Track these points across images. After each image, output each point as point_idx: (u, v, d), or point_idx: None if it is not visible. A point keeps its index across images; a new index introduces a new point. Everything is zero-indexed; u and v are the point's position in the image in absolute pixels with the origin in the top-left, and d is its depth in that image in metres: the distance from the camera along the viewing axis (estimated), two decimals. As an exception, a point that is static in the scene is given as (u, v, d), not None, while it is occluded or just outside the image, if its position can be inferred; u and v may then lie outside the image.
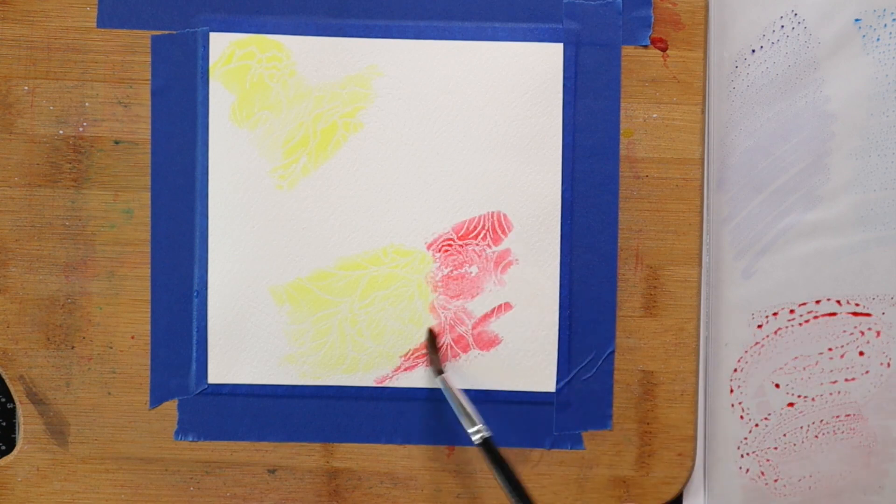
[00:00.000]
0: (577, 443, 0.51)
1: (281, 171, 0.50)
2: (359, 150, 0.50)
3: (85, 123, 0.50)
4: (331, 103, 0.50)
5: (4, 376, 0.51)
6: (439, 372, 0.48)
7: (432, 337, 0.50)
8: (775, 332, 0.52)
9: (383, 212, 0.51)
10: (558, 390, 0.51)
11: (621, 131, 0.51)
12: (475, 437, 0.46)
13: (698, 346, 0.51)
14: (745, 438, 0.52)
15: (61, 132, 0.50)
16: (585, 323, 0.51)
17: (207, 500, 0.51)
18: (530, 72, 0.50)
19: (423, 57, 0.50)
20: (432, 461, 0.51)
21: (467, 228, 0.51)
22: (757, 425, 0.52)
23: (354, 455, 0.51)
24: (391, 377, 0.51)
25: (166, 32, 0.50)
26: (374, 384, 0.51)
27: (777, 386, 0.52)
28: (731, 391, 0.52)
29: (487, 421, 0.51)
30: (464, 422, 0.46)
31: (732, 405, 0.52)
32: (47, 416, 0.51)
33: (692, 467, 0.52)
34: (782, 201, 0.52)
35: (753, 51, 0.51)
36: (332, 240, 0.51)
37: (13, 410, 0.52)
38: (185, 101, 0.50)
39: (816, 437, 0.52)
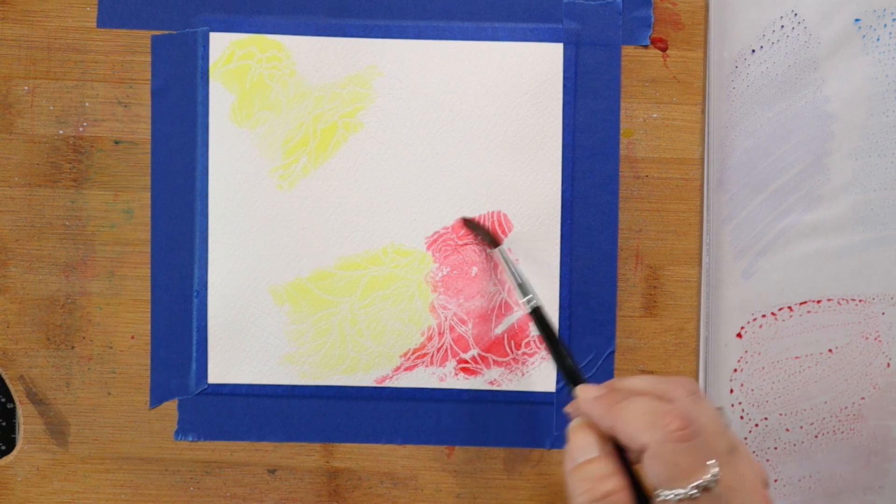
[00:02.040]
0: (577, 443, 0.51)
1: (281, 171, 0.50)
2: (359, 150, 0.50)
3: (85, 123, 0.50)
4: (331, 103, 0.50)
5: (4, 376, 0.51)
6: (496, 245, 0.49)
7: (471, 221, 0.50)
8: (776, 332, 0.52)
9: (383, 212, 0.51)
10: (558, 390, 0.51)
11: (621, 131, 0.51)
12: (527, 306, 0.46)
13: (698, 346, 0.51)
14: (745, 438, 0.52)
15: (61, 132, 0.50)
16: (585, 323, 0.51)
17: (207, 500, 0.51)
18: (530, 72, 0.50)
19: (423, 57, 0.50)
20: (432, 461, 0.51)
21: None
22: (757, 425, 0.52)
23: (354, 455, 0.51)
24: (391, 377, 0.51)
25: (166, 32, 0.50)
26: (374, 384, 0.51)
27: (776, 386, 0.52)
28: (731, 391, 0.52)
29: (488, 421, 0.51)
30: (517, 291, 0.47)
31: (732, 405, 0.52)
32: (47, 416, 0.51)
33: (692, 467, 0.52)
34: (782, 201, 0.52)
35: (753, 51, 0.51)
36: (332, 240, 0.51)
37: (13, 410, 0.52)
38: (185, 101, 0.50)
39: (816, 437, 0.53)
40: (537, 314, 0.45)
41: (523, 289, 0.47)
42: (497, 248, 0.49)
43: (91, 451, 0.51)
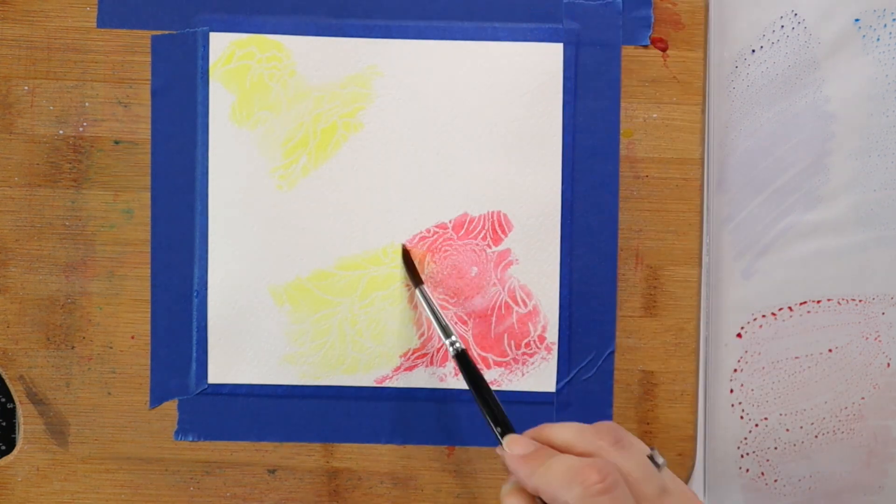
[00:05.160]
0: (577, 443, 0.51)
1: (281, 171, 0.50)
2: (359, 150, 0.50)
3: (85, 123, 0.50)
4: (331, 103, 0.50)
5: (4, 376, 0.51)
6: (419, 283, 0.49)
7: (406, 253, 0.50)
8: (775, 332, 0.52)
9: (383, 212, 0.51)
10: (558, 390, 0.51)
11: (621, 131, 0.51)
12: (451, 349, 0.45)
13: (698, 346, 0.51)
14: (745, 438, 0.52)
15: (61, 132, 0.50)
16: (585, 323, 0.51)
17: (207, 500, 0.51)
18: (530, 72, 0.50)
19: (423, 57, 0.50)
20: (432, 461, 0.51)
21: (467, 228, 0.51)
22: (757, 425, 0.52)
23: (354, 455, 0.51)
24: (391, 377, 0.51)
25: (166, 32, 0.50)
26: (374, 384, 0.51)
27: (776, 386, 0.52)
28: (731, 391, 0.52)
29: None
30: (440, 333, 0.46)
31: (732, 405, 0.52)
32: (47, 416, 0.51)
33: (692, 467, 0.52)
34: (782, 201, 0.52)
35: (753, 51, 0.51)
36: (332, 240, 0.51)
37: (13, 410, 0.52)
38: (185, 101, 0.50)
39: (816, 437, 0.53)
40: (462, 358, 0.44)
41: (446, 331, 0.46)
42: (418, 287, 0.48)
43: (91, 451, 0.51)
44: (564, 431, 0.39)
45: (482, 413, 0.42)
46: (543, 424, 0.40)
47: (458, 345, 0.45)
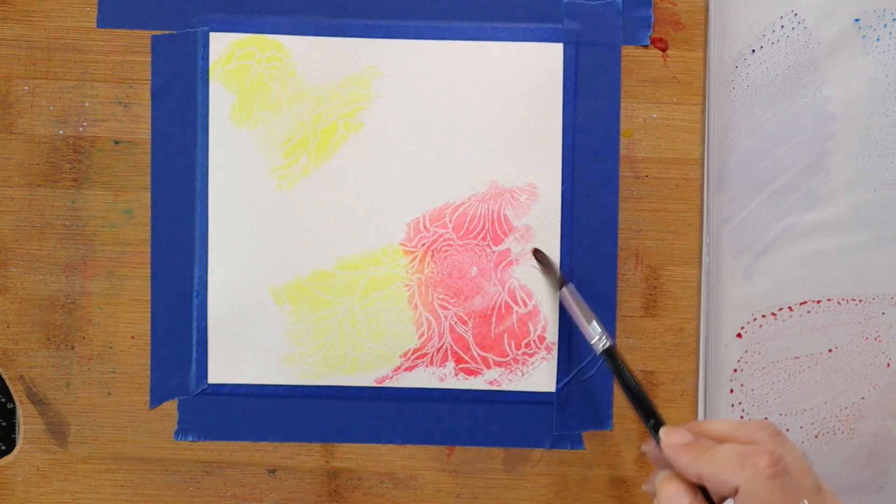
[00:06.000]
0: (577, 443, 0.51)
1: (281, 171, 0.50)
2: (359, 150, 0.50)
3: (85, 123, 0.50)
4: (331, 103, 0.50)
5: (4, 376, 0.51)
6: (562, 284, 0.49)
7: (541, 254, 0.50)
8: (775, 332, 0.52)
9: (383, 212, 0.51)
10: (558, 390, 0.51)
11: (621, 131, 0.51)
12: (599, 346, 0.45)
13: (698, 346, 0.51)
14: (745, 438, 0.52)
15: (61, 132, 0.50)
16: (585, 323, 0.51)
17: (207, 500, 0.51)
18: (530, 72, 0.50)
19: (423, 57, 0.50)
20: (432, 461, 0.51)
21: (467, 228, 0.51)
22: (757, 425, 0.52)
23: (354, 455, 0.51)
24: (391, 377, 0.51)
25: (166, 32, 0.50)
26: (374, 384, 0.51)
27: (776, 386, 0.52)
28: (731, 391, 0.52)
29: (488, 421, 0.51)
30: (585, 331, 0.47)
31: (732, 405, 0.52)
32: (47, 416, 0.51)
33: (692, 467, 0.52)
34: (782, 201, 0.52)
35: (753, 51, 0.51)
36: (332, 240, 0.51)
37: (13, 410, 0.52)
38: (185, 101, 0.50)
39: (816, 437, 0.53)
40: (611, 355, 0.45)
41: (593, 329, 0.46)
42: (563, 288, 0.48)
43: (91, 451, 0.51)
44: (722, 424, 0.39)
45: (633, 407, 0.43)
46: (696, 421, 0.40)
47: (607, 343, 0.45)
